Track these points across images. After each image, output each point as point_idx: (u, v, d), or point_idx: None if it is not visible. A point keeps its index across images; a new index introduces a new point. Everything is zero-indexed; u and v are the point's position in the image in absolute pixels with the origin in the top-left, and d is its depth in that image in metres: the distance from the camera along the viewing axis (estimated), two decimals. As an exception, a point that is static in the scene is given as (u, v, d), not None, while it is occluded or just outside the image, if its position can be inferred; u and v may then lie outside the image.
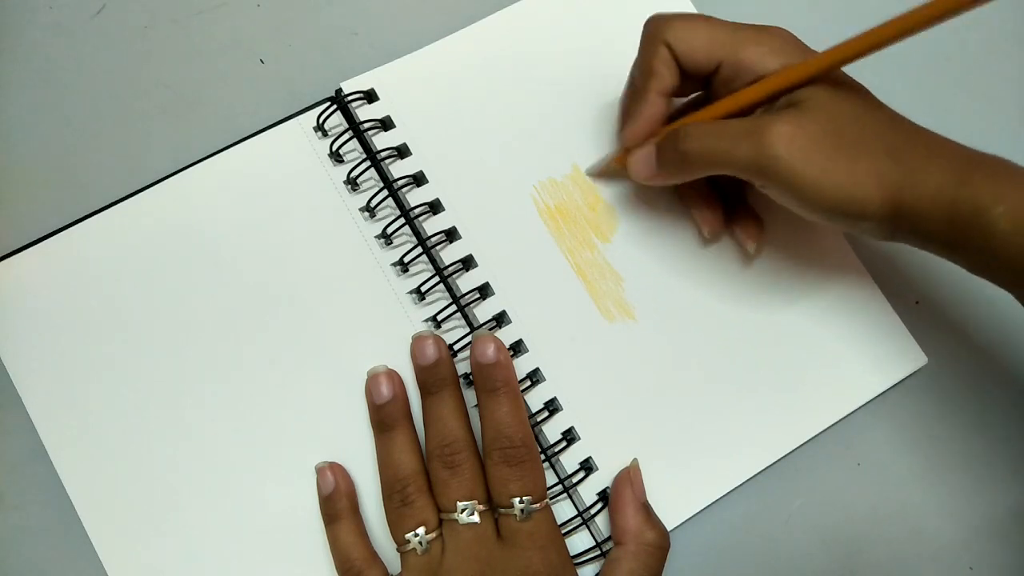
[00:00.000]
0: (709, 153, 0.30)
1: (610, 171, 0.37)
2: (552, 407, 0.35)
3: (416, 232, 0.36)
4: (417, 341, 0.34)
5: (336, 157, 0.37)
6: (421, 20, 0.40)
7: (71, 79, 0.39)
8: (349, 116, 0.37)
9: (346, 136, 0.37)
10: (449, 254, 0.36)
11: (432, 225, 0.36)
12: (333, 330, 0.35)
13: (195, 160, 0.37)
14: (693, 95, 0.36)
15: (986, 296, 0.39)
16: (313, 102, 0.38)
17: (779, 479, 0.36)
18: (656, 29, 0.32)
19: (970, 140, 0.29)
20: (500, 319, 0.36)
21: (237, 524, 0.34)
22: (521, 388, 0.34)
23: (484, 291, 0.36)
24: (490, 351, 0.33)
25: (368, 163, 0.37)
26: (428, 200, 0.37)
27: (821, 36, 0.32)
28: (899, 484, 0.37)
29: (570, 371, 0.36)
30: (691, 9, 0.40)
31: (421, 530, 0.31)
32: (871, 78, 0.31)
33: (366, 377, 0.34)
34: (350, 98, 0.37)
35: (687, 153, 0.31)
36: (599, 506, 0.34)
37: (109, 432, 0.34)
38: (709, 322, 0.37)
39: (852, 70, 0.30)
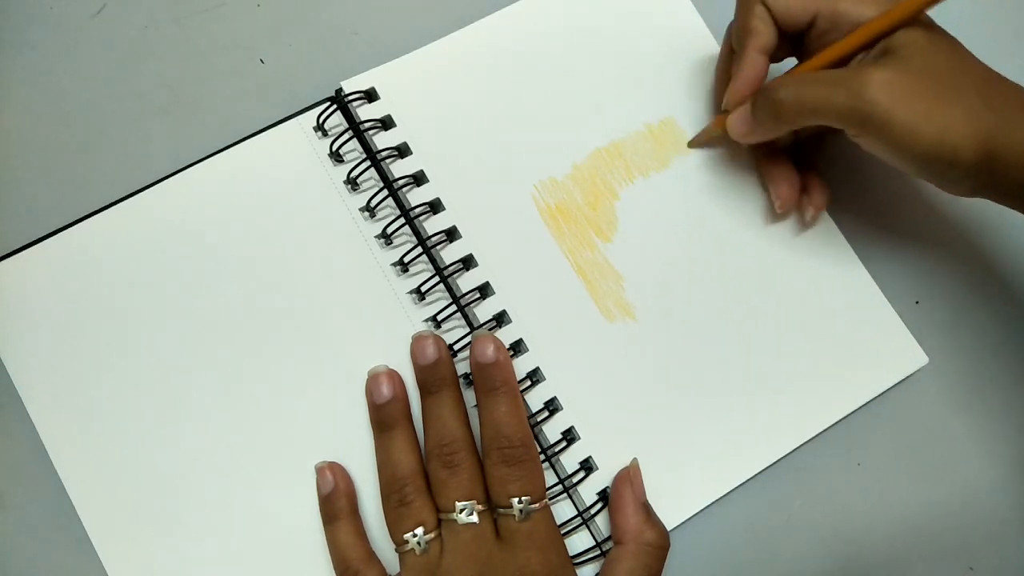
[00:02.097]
0: (805, 101, 0.30)
1: (711, 137, 0.38)
2: (552, 407, 0.35)
3: (416, 232, 0.36)
4: (417, 341, 0.34)
5: (336, 157, 0.37)
6: (421, 20, 0.40)
7: (71, 79, 0.39)
8: (349, 116, 0.37)
9: (346, 136, 0.37)
10: (449, 254, 0.36)
11: (432, 225, 0.36)
12: (333, 330, 0.35)
13: (195, 160, 0.37)
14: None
15: (986, 296, 0.39)
16: (313, 102, 0.38)
17: (779, 479, 0.36)
18: None
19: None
20: (500, 319, 0.36)
21: (237, 524, 0.34)
22: (521, 388, 0.34)
23: (484, 291, 0.36)
24: (490, 351, 0.33)
25: (368, 163, 0.37)
26: (428, 200, 0.37)
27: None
28: (899, 484, 0.37)
29: (570, 371, 0.36)
30: (691, 10, 0.40)
31: (420, 530, 0.31)
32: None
33: (366, 377, 0.34)
34: (350, 98, 0.37)
35: (782, 102, 0.31)
36: (599, 506, 0.34)
37: (109, 432, 0.34)
38: (709, 322, 0.37)
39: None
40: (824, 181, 0.37)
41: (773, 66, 0.35)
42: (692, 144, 0.38)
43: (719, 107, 0.37)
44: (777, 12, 0.32)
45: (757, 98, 0.33)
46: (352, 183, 0.37)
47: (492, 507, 0.32)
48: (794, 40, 0.33)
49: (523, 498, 0.31)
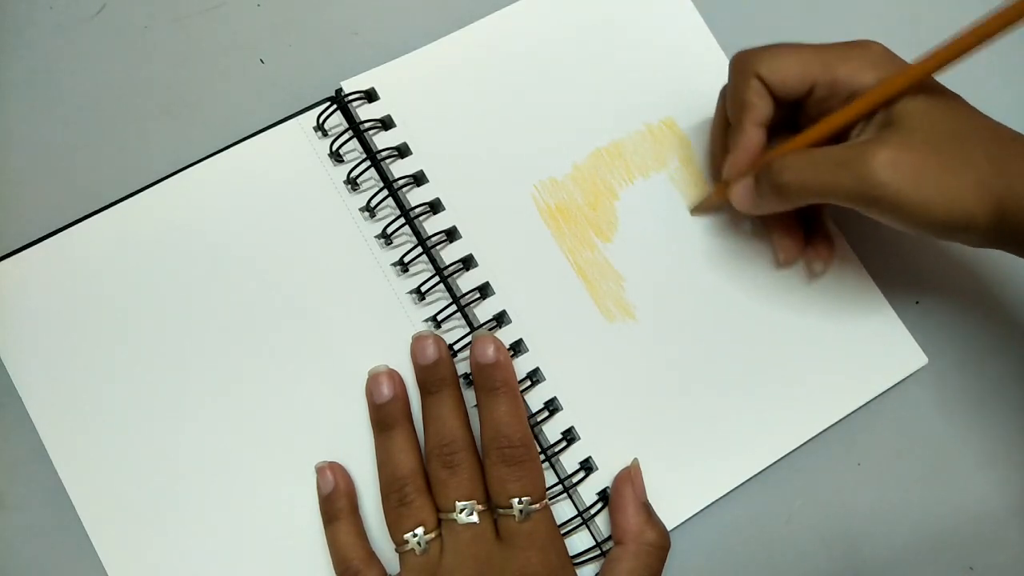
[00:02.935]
0: (808, 185, 0.30)
1: (713, 205, 0.37)
2: (552, 407, 0.35)
3: (416, 232, 0.36)
4: (417, 341, 0.34)
5: (336, 157, 0.37)
6: (421, 20, 0.40)
7: (71, 79, 0.39)
8: (349, 116, 0.37)
9: (346, 136, 0.37)
10: (449, 254, 0.36)
11: (432, 225, 0.36)
12: (333, 330, 0.35)
13: (195, 160, 0.37)
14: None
15: (986, 296, 0.39)
16: (313, 102, 0.38)
17: (779, 479, 0.36)
18: (745, 63, 0.32)
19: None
20: (500, 319, 0.36)
21: (237, 524, 0.34)
22: (521, 388, 0.34)
23: (484, 291, 0.36)
24: (490, 351, 0.33)
25: (368, 163, 0.37)
26: (428, 200, 0.37)
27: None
28: (899, 484, 0.37)
29: (570, 371, 0.36)
30: (691, 9, 0.40)
31: (420, 530, 0.31)
32: (964, 80, 0.31)
33: (366, 377, 0.34)
34: (350, 98, 0.37)
35: (785, 186, 0.31)
36: (599, 506, 0.34)
37: (109, 432, 0.34)
38: (709, 322, 0.37)
39: (946, 79, 0.30)
40: (829, 232, 0.37)
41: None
42: (695, 212, 0.38)
43: (715, 173, 0.37)
44: (773, 85, 0.32)
45: (760, 177, 0.32)
46: (352, 183, 0.37)
47: (492, 507, 0.32)
48: (793, 106, 0.33)
49: (523, 498, 0.31)
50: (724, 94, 0.35)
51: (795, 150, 0.31)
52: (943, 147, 0.28)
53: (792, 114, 0.33)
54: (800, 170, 0.30)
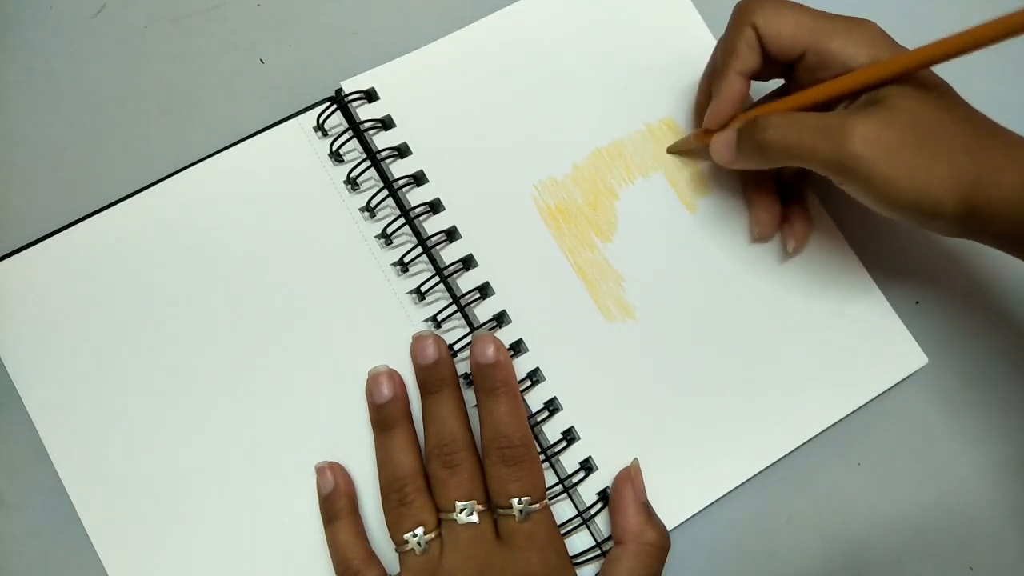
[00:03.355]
0: (789, 146, 0.30)
1: (689, 148, 0.38)
2: (552, 407, 0.35)
3: (416, 232, 0.36)
4: (417, 341, 0.34)
5: (336, 157, 0.37)
6: (421, 20, 0.40)
7: (71, 79, 0.39)
8: (349, 116, 0.37)
9: (346, 136, 0.37)
10: (449, 254, 0.36)
11: (432, 225, 0.36)
12: (333, 330, 0.35)
13: (195, 160, 0.37)
14: (778, 86, 0.36)
15: (986, 296, 0.39)
16: (313, 102, 0.38)
17: (779, 479, 0.36)
18: (745, 10, 0.32)
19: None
20: (500, 319, 0.36)
21: (237, 524, 0.34)
22: (521, 388, 0.34)
23: (484, 291, 0.36)
24: (490, 351, 0.33)
25: (368, 163, 0.37)
26: (428, 200, 0.37)
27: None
28: (899, 484, 0.37)
29: (570, 371, 0.36)
30: (691, 9, 0.40)
31: (420, 530, 0.31)
32: (957, 71, 0.31)
33: (366, 377, 0.34)
34: (350, 98, 0.37)
35: (767, 143, 0.31)
36: (599, 506, 0.34)
37: (109, 432, 0.34)
38: (709, 322, 0.37)
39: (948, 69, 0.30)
40: (808, 212, 0.37)
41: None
42: (671, 150, 0.38)
43: (701, 119, 0.37)
44: (767, 39, 0.32)
45: (743, 132, 0.32)
46: (352, 183, 0.37)
47: (492, 507, 0.32)
48: (785, 68, 0.33)
49: (523, 498, 0.31)
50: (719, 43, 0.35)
51: (783, 111, 0.32)
52: (923, 132, 0.29)
53: (787, 74, 0.34)
54: (783, 130, 0.30)
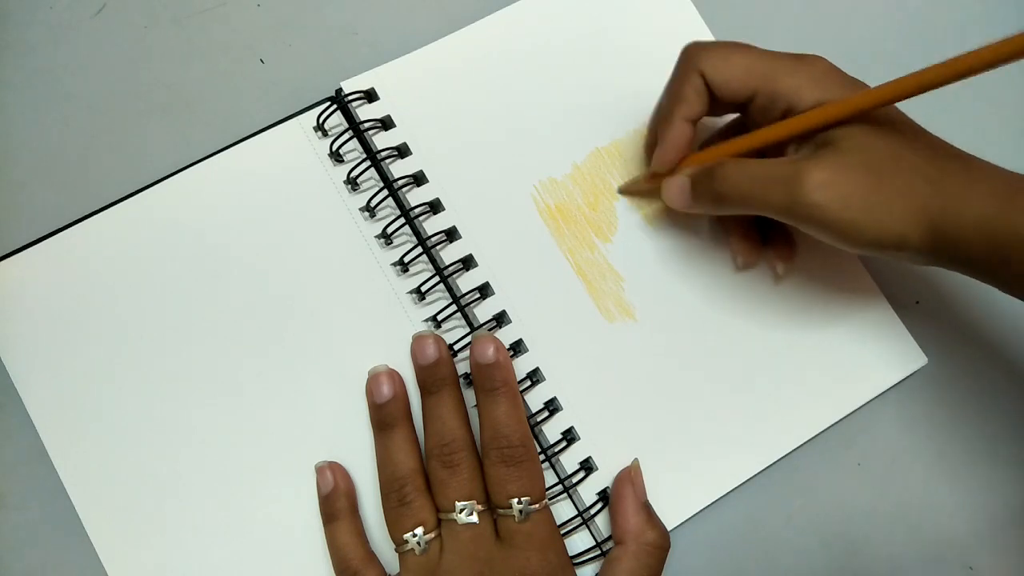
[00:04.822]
0: (744, 196, 0.30)
1: (641, 190, 0.37)
2: (552, 407, 0.35)
3: (416, 232, 0.36)
4: (417, 341, 0.34)
5: (336, 157, 0.37)
6: (421, 20, 0.40)
7: (71, 79, 0.39)
8: (349, 116, 0.37)
9: (346, 136, 0.37)
10: (449, 254, 0.36)
11: (432, 225, 0.36)
12: (333, 330, 0.35)
13: (195, 160, 0.37)
14: (732, 118, 0.36)
15: (986, 296, 0.39)
16: (313, 102, 0.38)
17: (779, 479, 0.36)
18: (692, 57, 0.32)
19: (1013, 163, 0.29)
20: (500, 319, 0.36)
21: (237, 524, 0.34)
22: (521, 388, 0.34)
23: (484, 291, 0.36)
24: (489, 351, 0.33)
25: (368, 163, 0.37)
26: (428, 200, 0.37)
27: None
28: (899, 484, 0.37)
29: (570, 371, 0.36)
30: (690, 9, 0.40)
31: (419, 530, 0.31)
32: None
33: (367, 377, 0.34)
34: (350, 98, 0.37)
35: (722, 195, 0.31)
36: (599, 506, 0.34)
37: (109, 432, 0.34)
38: (709, 322, 0.37)
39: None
40: (790, 234, 0.36)
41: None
42: (622, 191, 0.38)
43: (650, 158, 0.36)
44: (715, 85, 0.31)
45: (697, 182, 0.32)
46: (352, 183, 0.37)
47: (492, 507, 0.32)
48: (738, 106, 0.32)
49: (523, 498, 0.31)
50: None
51: (735, 160, 0.31)
52: (879, 169, 0.28)
53: (740, 112, 0.33)
54: (736, 180, 0.30)
